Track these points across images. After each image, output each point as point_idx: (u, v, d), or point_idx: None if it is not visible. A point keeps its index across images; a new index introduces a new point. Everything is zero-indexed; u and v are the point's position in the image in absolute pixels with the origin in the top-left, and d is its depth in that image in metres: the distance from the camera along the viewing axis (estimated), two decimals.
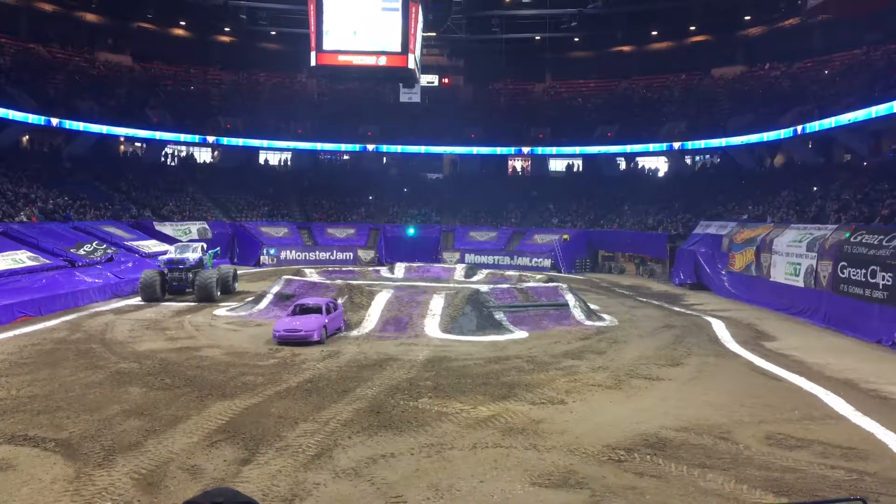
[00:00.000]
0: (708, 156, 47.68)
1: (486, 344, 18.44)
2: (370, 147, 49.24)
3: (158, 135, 44.84)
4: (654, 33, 48.68)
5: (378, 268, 34.98)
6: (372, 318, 20.52)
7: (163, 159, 49.50)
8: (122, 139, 46.42)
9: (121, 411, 11.75)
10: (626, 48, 50.72)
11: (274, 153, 52.93)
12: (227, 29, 49.85)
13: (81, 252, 28.37)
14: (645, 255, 39.68)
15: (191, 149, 50.61)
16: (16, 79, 38.65)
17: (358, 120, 50.28)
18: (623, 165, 51.41)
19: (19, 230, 28.23)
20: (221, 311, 23.31)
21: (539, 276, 28.39)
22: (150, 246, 33.44)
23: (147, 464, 9.35)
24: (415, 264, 33.61)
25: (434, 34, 42.50)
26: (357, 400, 12.64)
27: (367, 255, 42.82)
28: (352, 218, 47.05)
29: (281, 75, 54.00)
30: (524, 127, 49.69)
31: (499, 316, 20.91)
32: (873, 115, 28.73)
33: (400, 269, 31.89)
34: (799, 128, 34.11)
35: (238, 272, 30.33)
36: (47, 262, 25.65)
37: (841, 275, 21.44)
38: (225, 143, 47.58)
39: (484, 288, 23.20)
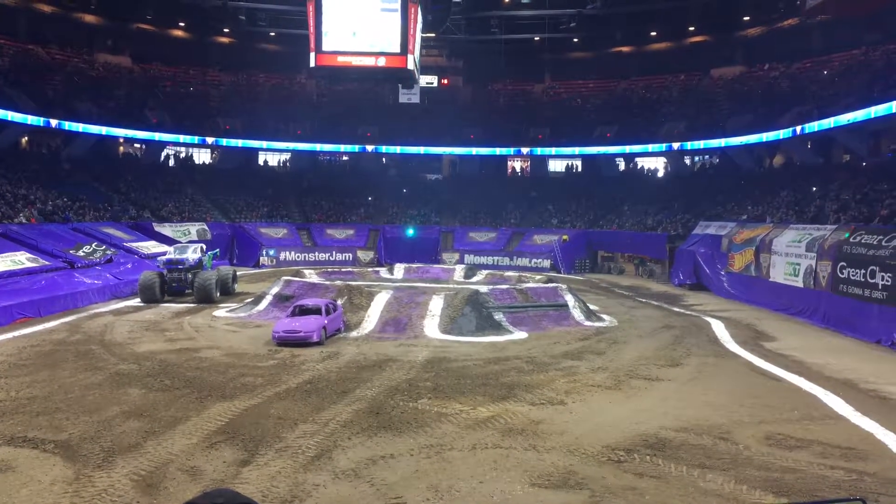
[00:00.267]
0: (707, 156, 47.72)
1: (485, 345, 18.44)
2: (369, 148, 49.26)
3: (157, 136, 44.82)
4: (654, 34, 48.71)
5: (377, 269, 34.97)
6: (371, 319, 20.51)
7: (162, 160, 49.49)
8: (121, 140, 46.41)
9: (120, 413, 11.74)
10: (625, 49, 50.78)
11: (273, 154, 52.94)
12: (226, 30, 49.87)
13: (81, 253, 28.34)
14: (644, 256, 39.69)
15: (190, 150, 50.63)
16: (15, 80, 38.63)
17: (357, 121, 50.27)
18: (622, 166, 51.43)
19: (18, 231, 28.21)
20: (221, 312, 23.31)
21: (538, 277, 28.39)
22: (150, 247, 33.42)
23: (146, 465, 9.35)
24: (414, 265, 33.62)
25: (433, 35, 42.54)
26: (356, 401, 12.64)
27: (367, 256, 42.84)
28: (351, 219, 47.06)
29: (280, 76, 54.01)
30: (523, 127, 49.71)
31: (498, 317, 20.91)
32: (872, 116, 28.75)
33: (399, 269, 31.89)
34: (798, 128, 34.14)
35: (237, 273, 30.32)
36: (46, 263, 25.62)
37: (840, 275, 21.45)
38: (224, 144, 47.60)
39: (483, 289, 23.19)
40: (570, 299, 23.14)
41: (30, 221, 30.98)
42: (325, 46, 30.16)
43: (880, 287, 19.37)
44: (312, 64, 30.78)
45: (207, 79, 52.46)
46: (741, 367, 16.34)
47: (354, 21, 30.14)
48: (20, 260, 24.66)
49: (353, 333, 19.49)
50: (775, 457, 9.97)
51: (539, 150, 48.99)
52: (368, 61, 30.65)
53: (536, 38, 47.75)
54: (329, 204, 48.57)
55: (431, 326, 19.88)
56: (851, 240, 21.50)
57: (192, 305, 24.73)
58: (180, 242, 32.25)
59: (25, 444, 10.14)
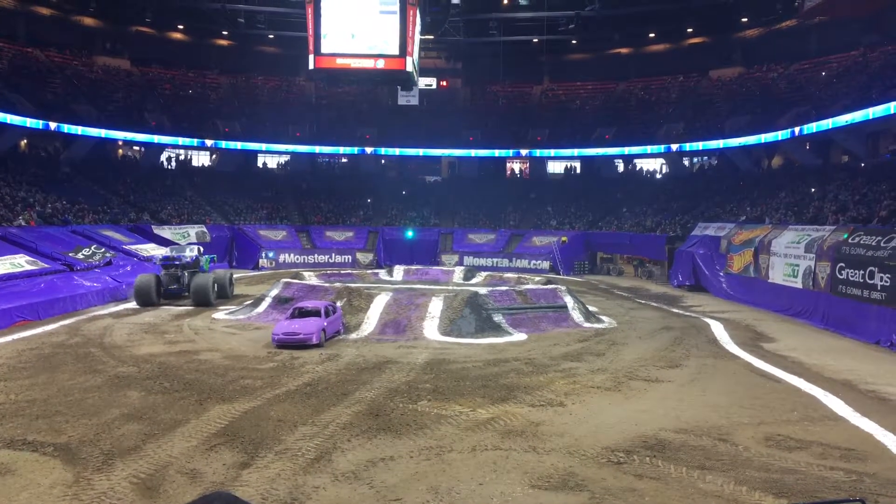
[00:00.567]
0: (706, 157, 47.81)
1: (484, 346, 18.44)
2: (368, 150, 49.31)
3: (156, 138, 44.85)
4: (652, 35, 48.80)
5: (377, 270, 34.99)
6: (371, 320, 20.51)
7: (161, 163, 49.49)
8: (120, 143, 46.42)
9: (119, 415, 11.73)
10: (623, 50, 50.85)
11: (272, 156, 53.00)
12: (224, 33, 49.86)
13: (80, 256, 28.34)
14: (643, 257, 39.72)
15: (189, 152, 50.64)
16: (14, 83, 38.67)
17: (356, 123, 50.33)
18: (621, 167, 51.49)
19: (18, 234, 28.20)
20: (220, 314, 23.30)
21: (538, 279, 28.40)
22: (149, 249, 33.40)
23: (146, 468, 9.34)
24: (413, 267, 33.63)
25: (432, 37, 42.60)
26: (356, 403, 12.64)
27: (366, 258, 42.86)
28: (350, 221, 47.08)
29: (279, 78, 54.05)
30: (522, 129, 49.78)
31: (497, 318, 20.92)
32: (870, 117, 28.82)
33: (398, 271, 31.89)
34: (796, 129, 34.20)
35: (235, 276, 30.28)
36: (46, 266, 25.63)
37: (839, 276, 21.48)
38: (223, 146, 47.65)
39: (483, 290, 23.20)
40: (569, 301, 23.15)
41: (29, 224, 30.98)
42: (324, 49, 30.18)
43: (879, 288, 19.40)
44: (311, 66, 30.79)
45: (206, 81, 52.48)
46: (740, 368, 16.34)
47: (353, 23, 30.15)
48: (19, 263, 24.66)
49: (353, 335, 19.48)
50: (775, 458, 9.98)
51: (538, 152, 49.06)
52: (367, 63, 30.66)
53: (535, 40, 47.79)
54: (328, 206, 48.59)
55: (431, 328, 19.88)
56: (850, 240, 21.53)
57: (191, 308, 24.72)
58: (179, 244, 32.21)
59: (25, 447, 10.13)
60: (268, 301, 23.49)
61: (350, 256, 42.83)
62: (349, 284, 25.10)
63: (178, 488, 8.73)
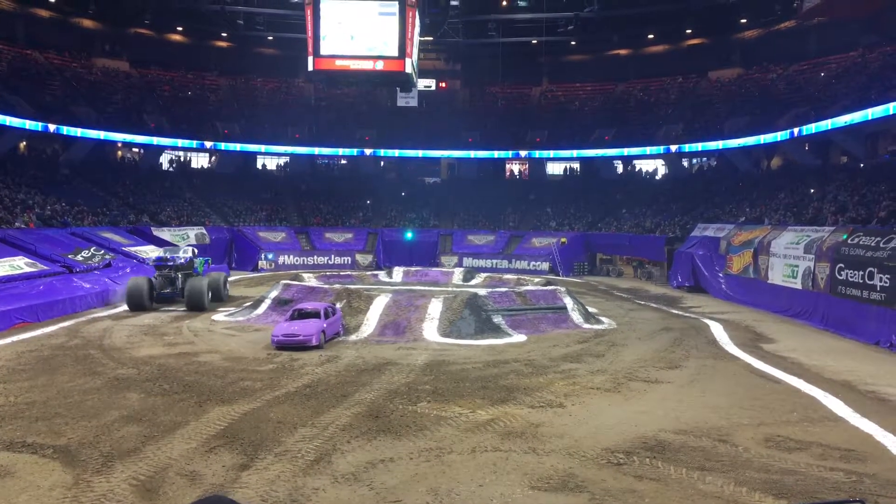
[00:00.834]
0: (705, 158, 47.85)
1: (484, 348, 18.44)
2: (368, 151, 49.34)
3: (156, 140, 44.86)
4: (651, 36, 48.87)
5: (376, 272, 34.96)
6: (370, 322, 20.50)
7: (160, 165, 49.49)
8: (119, 145, 46.44)
9: (119, 417, 11.72)
10: (622, 51, 50.90)
11: (271, 158, 53.02)
12: (224, 34, 49.89)
13: (79, 258, 28.33)
14: (643, 258, 39.72)
15: (188, 154, 50.64)
16: (13, 85, 38.69)
17: (355, 124, 50.36)
18: (620, 168, 51.52)
19: (17, 236, 28.18)
20: (220, 316, 23.27)
21: (537, 280, 28.40)
22: (148, 251, 33.31)
23: (145, 470, 9.33)
24: (413, 268, 33.61)
25: (431, 38, 42.68)
26: (356, 404, 12.63)
27: (365, 260, 42.86)
28: (350, 222, 47.08)
29: (278, 80, 54.09)
30: (521, 130, 49.82)
31: (497, 319, 20.91)
32: (870, 117, 28.86)
33: (398, 273, 31.88)
34: (795, 130, 34.24)
35: (231, 278, 30.12)
36: (45, 268, 25.61)
37: (838, 276, 21.48)
38: (222, 148, 47.67)
39: (482, 291, 23.20)
40: (568, 302, 23.15)
41: (28, 226, 30.97)
42: (324, 50, 30.16)
43: (878, 288, 19.40)
44: (310, 68, 30.77)
45: (205, 83, 52.51)
46: (740, 369, 16.34)
47: (352, 25, 30.13)
48: (19, 265, 24.65)
49: (352, 337, 19.47)
50: (775, 459, 9.98)
51: (537, 153, 49.10)
52: (366, 65, 30.64)
53: (534, 41, 47.85)
54: (327, 207, 48.59)
55: (430, 330, 19.87)
56: (849, 241, 21.53)
57: (185, 312, 24.32)
58: (186, 245, 32.09)
59: (24, 450, 10.12)
60: (267, 303, 23.47)
61: (349, 258, 42.83)
62: (348, 286, 25.09)
63: (177, 490, 8.73)
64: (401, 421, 11.65)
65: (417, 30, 31.59)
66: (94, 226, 35.16)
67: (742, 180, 40.81)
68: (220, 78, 53.05)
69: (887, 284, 19.01)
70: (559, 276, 38.83)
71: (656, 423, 11.67)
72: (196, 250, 28.23)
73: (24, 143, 41.70)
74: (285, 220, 46.67)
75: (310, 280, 27.76)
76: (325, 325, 18.37)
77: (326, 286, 24.83)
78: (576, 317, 22.42)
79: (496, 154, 49.76)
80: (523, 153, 49.16)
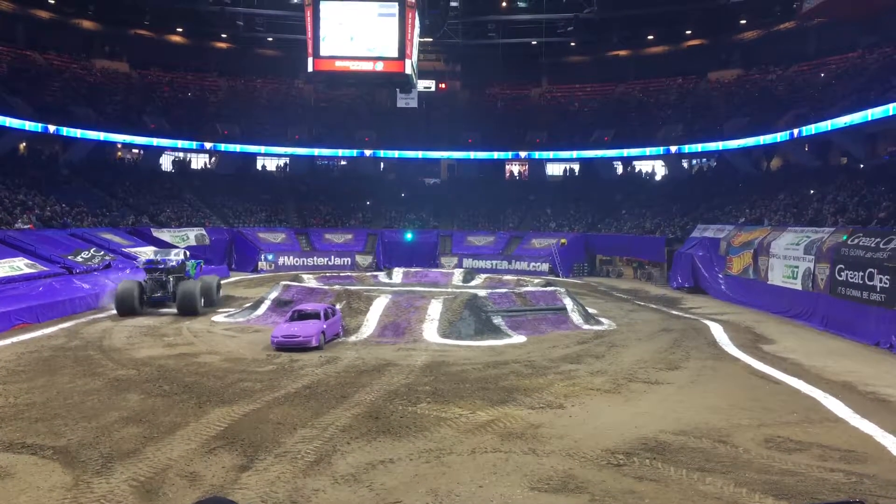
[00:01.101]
0: (705, 159, 47.84)
1: (484, 348, 18.44)
2: (367, 152, 49.36)
3: (156, 141, 44.86)
4: (651, 37, 48.88)
5: (376, 273, 34.96)
6: (370, 323, 20.50)
7: (160, 166, 49.48)
8: (119, 146, 46.39)
9: (119, 418, 11.72)
10: (622, 52, 50.90)
11: (271, 159, 53.00)
12: (224, 35, 49.88)
13: (79, 259, 28.31)
14: (642, 259, 39.71)
15: (188, 155, 50.63)
16: (13, 86, 38.68)
17: (355, 125, 50.37)
18: (620, 169, 51.49)
19: (17, 237, 28.16)
20: (219, 317, 23.26)
21: (537, 281, 28.41)
22: (148, 252, 33.15)
23: (145, 471, 9.33)
24: (413, 269, 33.61)
25: (431, 39, 42.65)
26: (356, 405, 12.63)
27: (365, 261, 42.84)
28: (349, 223, 47.07)
29: (278, 81, 54.11)
30: (521, 131, 49.82)
31: (497, 320, 20.92)
32: (869, 118, 28.87)
33: (398, 274, 31.88)
34: (795, 131, 34.26)
35: (230, 279, 30.09)
36: (45, 269, 25.60)
37: (838, 277, 21.49)
38: (222, 149, 47.66)
39: (482, 292, 23.20)
40: (568, 303, 23.16)
41: (28, 227, 30.95)
42: (323, 51, 30.17)
43: (878, 289, 19.41)
44: (310, 69, 30.79)
45: (205, 84, 52.52)
46: (740, 370, 16.35)
47: (352, 26, 30.15)
48: (18, 266, 24.64)
49: (352, 338, 19.47)
50: (775, 460, 9.98)
51: (537, 154, 49.12)
52: (366, 66, 30.66)
53: (534, 42, 47.83)
54: (327, 208, 48.58)
55: (430, 330, 19.87)
56: (849, 242, 21.54)
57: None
58: (178, 247, 32.06)
59: (24, 451, 10.11)
60: (267, 304, 23.47)
61: (349, 259, 42.82)
62: (348, 287, 25.08)
63: (177, 491, 8.73)
64: (401, 422, 11.65)
65: (417, 31, 31.60)
66: (94, 227, 35.14)
67: (742, 181, 40.82)
68: (219, 79, 53.07)
69: (887, 285, 19.02)
70: (559, 276, 38.84)
71: (656, 423, 11.67)
72: (188, 252, 27.49)
73: (24, 144, 41.68)
74: (285, 221, 46.65)
75: (309, 281, 27.75)
76: (324, 326, 18.38)
77: (326, 287, 24.83)
78: (576, 318, 22.43)
79: (496, 155, 49.77)
80: (523, 154, 49.18)
